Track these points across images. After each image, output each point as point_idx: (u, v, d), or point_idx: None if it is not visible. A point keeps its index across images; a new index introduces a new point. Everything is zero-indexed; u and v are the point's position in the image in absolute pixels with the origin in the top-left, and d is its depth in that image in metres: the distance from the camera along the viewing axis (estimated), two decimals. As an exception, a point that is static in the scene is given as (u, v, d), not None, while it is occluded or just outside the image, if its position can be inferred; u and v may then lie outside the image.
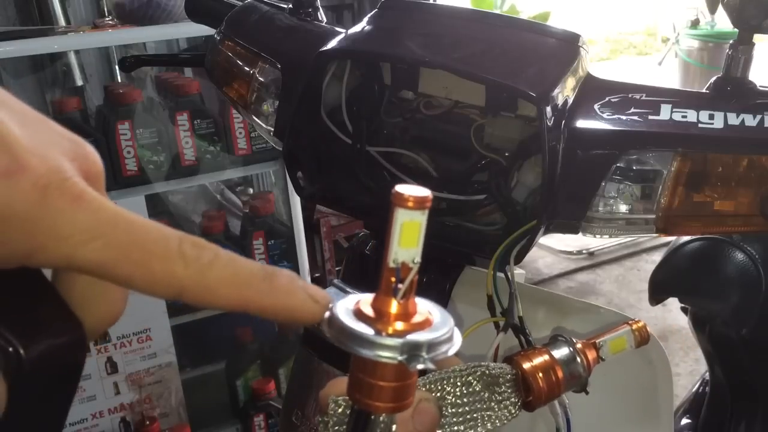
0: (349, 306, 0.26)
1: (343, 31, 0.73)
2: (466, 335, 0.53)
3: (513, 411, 0.32)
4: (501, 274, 0.59)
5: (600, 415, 0.68)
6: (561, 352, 0.33)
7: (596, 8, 7.50)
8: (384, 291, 0.26)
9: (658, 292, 1.09)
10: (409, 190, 0.24)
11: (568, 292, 2.71)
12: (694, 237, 1.03)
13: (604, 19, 7.64)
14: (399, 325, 0.25)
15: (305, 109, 0.71)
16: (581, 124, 0.61)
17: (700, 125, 0.59)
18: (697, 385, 1.23)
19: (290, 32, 0.82)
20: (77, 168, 0.25)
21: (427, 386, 0.32)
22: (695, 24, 5.11)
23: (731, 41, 0.62)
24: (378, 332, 0.25)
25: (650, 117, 0.60)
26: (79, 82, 2.15)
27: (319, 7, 0.85)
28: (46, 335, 0.24)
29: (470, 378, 0.32)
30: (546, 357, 0.33)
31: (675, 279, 1.07)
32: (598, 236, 0.64)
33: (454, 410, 0.32)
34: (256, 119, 0.82)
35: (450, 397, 0.32)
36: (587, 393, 0.35)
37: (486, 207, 0.68)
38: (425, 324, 0.26)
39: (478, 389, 0.32)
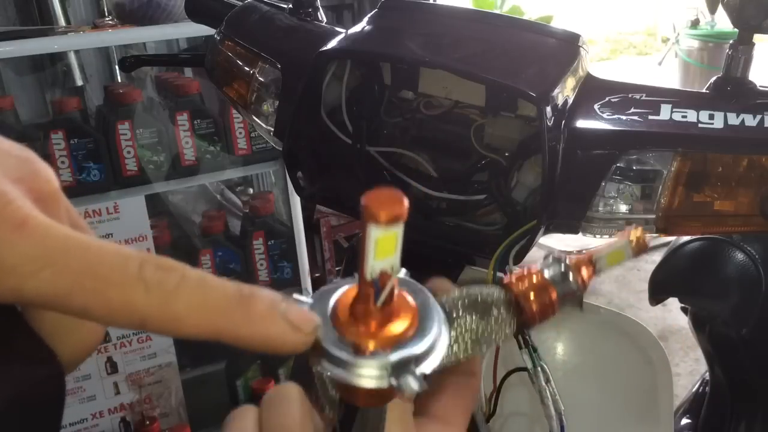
0: (328, 326, 0.25)
1: (343, 31, 0.73)
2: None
3: (508, 332, 0.32)
4: (501, 274, 0.59)
5: (600, 415, 0.68)
6: (553, 271, 0.32)
7: (596, 8, 7.50)
8: (362, 301, 0.24)
9: (658, 292, 1.09)
10: (380, 202, 0.22)
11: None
12: (694, 237, 1.03)
13: (604, 19, 7.64)
14: (376, 343, 0.24)
15: (305, 109, 0.71)
16: (581, 124, 0.61)
17: (700, 125, 0.59)
18: (697, 385, 1.23)
19: (290, 32, 0.82)
20: (25, 189, 0.23)
21: None
22: (695, 24, 5.11)
23: (731, 41, 0.62)
24: (359, 353, 0.24)
25: (650, 117, 0.60)
26: (79, 82, 2.15)
27: (319, 7, 0.85)
28: (18, 372, 0.23)
29: (465, 306, 0.32)
30: (538, 277, 0.32)
31: (675, 279, 1.07)
32: (598, 236, 0.64)
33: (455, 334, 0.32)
34: (256, 119, 0.82)
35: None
36: (581, 310, 0.35)
37: (486, 207, 0.68)
38: (409, 330, 0.25)
39: (471, 315, 0.32)
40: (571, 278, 0.32)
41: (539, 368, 0.58)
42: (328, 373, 0.24)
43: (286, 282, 1.86)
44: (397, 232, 0.23)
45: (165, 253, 1.72)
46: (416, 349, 0.24)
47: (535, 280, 0.32)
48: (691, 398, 1.21)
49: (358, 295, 0.24)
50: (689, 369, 2.23)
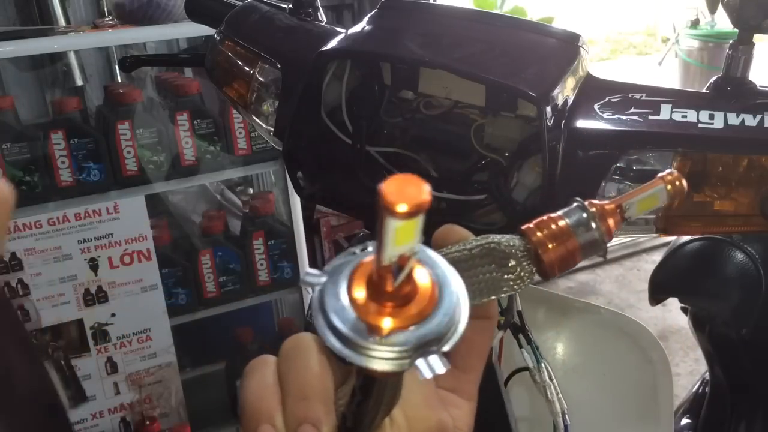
0: (344, 305, 0.23)
1: (343, 31, 0.73)
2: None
3: (526, 280, 0.31)
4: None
5: (600, 415, 0.68)
6: (575, 218, 0.30)
7: (596, 8, 7.50)
8: (379, 283, 0.23)
9: (658, 292, 1.09)
10: (401, 193, 0.20)
11: (568, 292, 2.70)
12: (694, 237, 1.03)
13: (604, 19, 7.64)
14: (395, 324, 0.23)
15: (305, 109, 0.71)
16: (581, 124, 0.61)
17: (700, 125, 0.59)
18: (697, 385, 1.23)
19: (290, 32, 0.82)
20: None
21: None
22: (695, 24, 5.11)
23: (731, 41, 0.62)
24: (377, 334, 0.22)
25: (650, 117, 0.60)
26: (79, 82, 2.14)
27: (319, 7, 0.85)
28: None
29: (480, 253, 0.30)
30: (558, 225, 0.30)
31: (675, 279, 1.07)
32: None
33: (469, 282, 0.30)
34: (256, 119, 0.82)
35: (465, 271, 0.30)
36: (605, 259, 0.33)
37: (486, 207, 0.68)
38: (427, 308, 0.23)
39: (487, 263, 0.31)
40: (593, 226, 0.30)
41: (542, 365, 0.58)
42: (346, 358, 0.23)
43: (286, 282, 1.86)
44: (416, 222, 0.21)
45: (165, 252, 1.72)
46: (436, 328, 0.23)
47: (554, 227, 0.31)
48: (691, 398, 1.21)
49: (375, 276, 0.23)
50: (689, 369, 2.23)
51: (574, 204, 0.31)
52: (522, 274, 0.31)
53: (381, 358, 0.22)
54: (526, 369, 0.59)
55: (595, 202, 0.32)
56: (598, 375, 0.74)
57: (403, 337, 0.23)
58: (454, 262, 0.29)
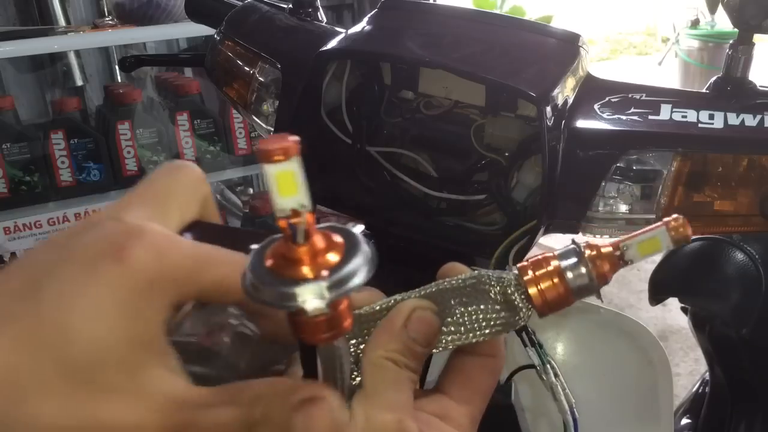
0: (258, 262, 0.26)
1: (343, 31, 0.73)
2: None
3: (523, 317, 0.31)
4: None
5: (600, 415, 0.68)
6: (569, 262, 0.30)
7: (596, 8, 7.50)
8: (284, 240, 0.25)
9: (658, 292, 1.09)
10: (269, 142, 0.24)
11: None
12: (694, 237, 1.02)
13: (604, 19, 7.64)
14: (307, 270, 0.25)
15: (305, 109, 0.71)
16: (581, 124, 0.61)
17: (700, 125, 0.59)
18: (697, 385, 1.23)
19: (290, 32, 0.82)
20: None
21: (429, 297, 0.31)
22: (695, 24, 5.11)
23: (731, 41, 0.62)
24: (292, 282, 0.25)
25: (650, 117, 0.60)
26: (79, 82, 2.15)
27: (319, 7, 0.85)
28: None
29: (475, 290, 0.31)
30: (551, 265, 0.31)
31: (675, 279, 1.07)
32: (598, 236, 0.64)
33: (458, 318, 0.31)
34: (256, 119, 0.82)
35: (455, 306, 0.31)
36: (600, 300, 0.33)
37: (486, 207, 0.68)
38: (335, 260, 0.25)
39: (485, 302, 0.31)
40: (583, 271, 0.30)
41: (547, 365, 0.58)
42: (268, 304, 0.25)
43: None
44: (292, 168, 0.24)
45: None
46: (344, 271, 0.25)
47: (547, 269, 0.31)
48: (691, 398, 1.21)
49: (281, 239, 0.25)
50: (689, 369, 2.23)
51: (570, 246, 0.31)
52: (518, 311, 0.31)
53: (298, 300, 0.25)
54: (532, 366, 0.59)
55: (594, 242, 0.31)
56: (598, 375, 0.74)
57: (314, 280, 0.25)
58: (448, 292, 0.31)
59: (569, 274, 0.30)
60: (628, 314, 0.74)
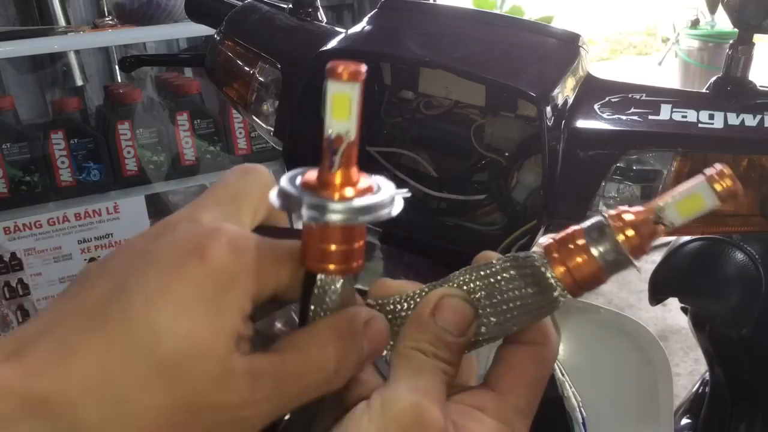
0: (294, 178, 0.27)
1: (343, 31, 0.73)
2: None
3: (558, 297, 0.29)
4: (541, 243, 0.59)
5: (600, 415, 0.68)
6: (596, 237, 0.28)
7: (596, 8, 7.50)
8: (324, 163, 0.26)
9: (658, 292, 1.09)
10: (340, 62, 0.25)
11: (568, 292, 2.69)
12: (694, 237, 1.02)
13: (604, 19, 7.64)
14: (338, 192, 0.26)
15: (305, 109, 0.71)
16: (581, 124, 0.61)
17: (700, 125, 0.59)
18: (697, 385, 1.23)
19: (290, 32, 0.82)
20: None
21: (461, 285, 0.30)
22: (695, 24, 5.11)
23: (731, 41, 0.62)
24: (321, 197, 0.26)
25: (650, 117, 0.60)
26: (79, 82, 2.15)
27: (319, 7, 0.85)
28: None
29: (507, 274, 0.30)
30: (578, 243, 0.28)
31: (675, 279, 1.07)
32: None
33: (495, 304, 0.30)
34: (256, 119, 0.82)
35: (489, 294, 0.30)
36: (639, 270, 0.30)
37: (486, 207, 0.68)
38: (365, 191, 0.27)
39: (518, 284, 0.29)
40: (609, 246, 0.27)
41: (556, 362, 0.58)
42: (305, 218, 0.26)
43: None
44: (351, 93, 0.25)
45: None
46: (368, 201, 0.26)
47: (573, 246, 0.28)
48: (691, 398, 1.21)
49: (321, 163, 0.26)
50: (689, 369, 2.23)
51: (597, 218, 0.28)
52: (552, 291, 0.29)
53: (330, 212, 0.26)
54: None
55: (624, 210, 0.28)
56: (597, 375, 0.73)
57: (340, 201, 0.26)
58: (480, 279, 0.30)
59: (596, 251, 0.28)
60: (628, 314, 0.74)
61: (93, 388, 0.24)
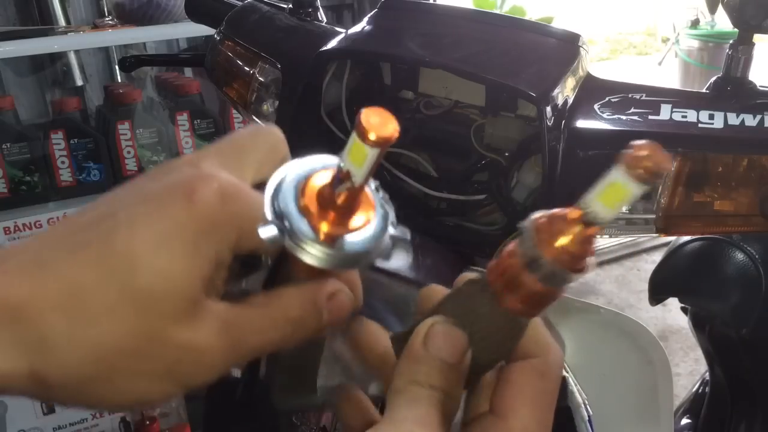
0: (299, 181, 0.28)
1: (343, 31, 0.73)
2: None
3: (521, 322, 0.28)
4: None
5: (600, 415, 0.68)
6: (524, 251, 0.25)
7: (596, 8, 7.50)
8: (332, 180, 0.27)
9: (658, 292, 1.09)
10: (374, 121, 0.25)
11: (568, 291, 2.69)
12: (694, 237, 1.02)
13: (604, 19, 7.64)
14: (326, 225, 0.27)
15: (305, 109, 0.71)
16: (581, 124, 0.61)
17: (700, 125, 0.59)
18: (697, 385, 1.23)
19: (290, 32, 0.82)
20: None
21: (444, 313, 0.29)
22: (695, 24, 5.10)
23: (731, 41, 0.62)
24: (314, 232, 0.27)
25: (650, 117, 0.60)
26: (79, 82, 2.14)
27: (319, 7, 0.85)
28: None
29: (470, 300, 0.29)
30: (510, 263, 0.26)
31: (675, 279, 1.07)
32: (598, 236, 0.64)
33: (478, 326, 0.28)
34: (256, 119, 0.82)
35: (467, 314, 0.28)
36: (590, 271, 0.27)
37: (486, 207, 0.68)
38: (354, 230, 0.28)
39: (482, 302, 0.28)
40: (546, 268, 0.25)
41: None
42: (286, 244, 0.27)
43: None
44: (369, 153, 0.26)
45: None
46: (351, 248, 0.28)
47: (507, 266, 0.26)
48: (691, 398, 1.21)
49: (331, 179, 0.27)
50: (689, 369, 2.23)
51: (525, 235, 0.25)
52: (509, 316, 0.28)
53: (307, 252, 0.27)
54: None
55: (548, 217, 0.25)
56: (597, 375, 0.73)
57: (330, 244, 0.27)
58: (455, 301, 0.29)
59: (530, 274, 0.26)
60: (628, 314, 0.73)
61: (63, 304, 0.25)
